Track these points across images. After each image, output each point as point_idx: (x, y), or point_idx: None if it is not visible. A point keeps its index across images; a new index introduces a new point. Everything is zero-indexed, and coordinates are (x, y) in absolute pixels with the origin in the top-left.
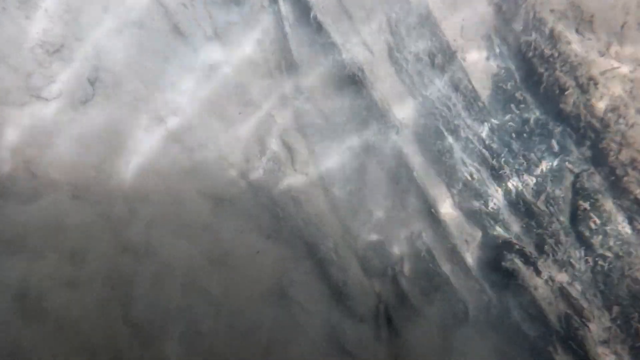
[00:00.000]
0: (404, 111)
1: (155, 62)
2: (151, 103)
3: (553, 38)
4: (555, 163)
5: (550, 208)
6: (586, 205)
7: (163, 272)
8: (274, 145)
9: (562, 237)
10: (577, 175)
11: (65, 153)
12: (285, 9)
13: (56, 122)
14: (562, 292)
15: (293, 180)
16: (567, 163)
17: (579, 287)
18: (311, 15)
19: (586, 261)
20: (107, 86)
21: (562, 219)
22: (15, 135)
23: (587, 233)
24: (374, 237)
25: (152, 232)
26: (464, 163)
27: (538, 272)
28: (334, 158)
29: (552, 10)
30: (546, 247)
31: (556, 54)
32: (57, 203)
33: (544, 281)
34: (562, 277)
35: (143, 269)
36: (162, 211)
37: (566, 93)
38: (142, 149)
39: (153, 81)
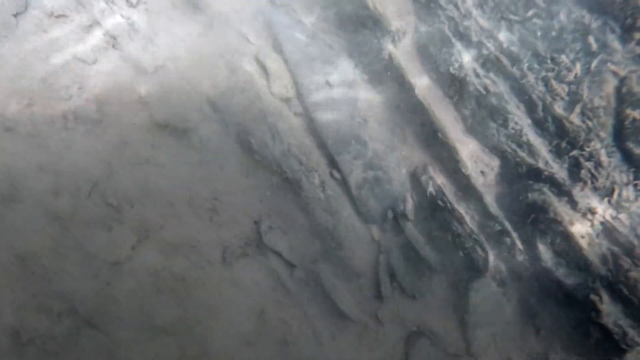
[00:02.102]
0: (400, 15)
1: None
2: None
3: None
4: (593, 65)
5: (588, 122)
6: (635, 114)
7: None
8: (246, 65)
9: (604, 158)
10: (622, 79)
11: None
12: None
13: None
14: (606, 227)
15: (270, 105)
16: (609, 64)
17: (627, 220)
18: None
19: (636, 186)
20: None
21: (603, 134)
22: None
23: (637, 150)
24: (370, 173)
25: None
26: (477, 74)
27: (574, 204)
28: (319, 77)
29: None
30: (583, 172)
31: None
32: None
33: (582, 215)
34: (605, 209)
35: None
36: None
37: None
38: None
39: None
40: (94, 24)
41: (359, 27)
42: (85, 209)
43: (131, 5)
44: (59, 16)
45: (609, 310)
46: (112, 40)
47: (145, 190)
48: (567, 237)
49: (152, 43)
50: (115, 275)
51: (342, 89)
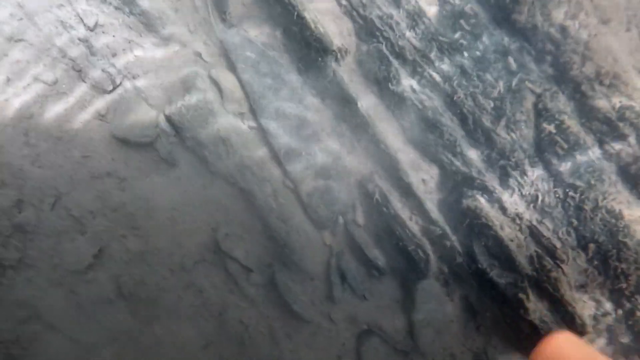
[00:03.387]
0: (342, 36)
1: None
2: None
3: None
4: (514, 83)
5: (512, 134)
6: (551, 128)
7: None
8: (200, 83)
9: (528, 167)
10: (538, 96)
11: None
12: None
13: None
14: (532, 231)
15: (224, 120)
16: (527, 82)
17: (549, 224)
18: None
19: (555, 194)
20: None
21: (525, 146)
22: None
23: (554, 160)
24: (320, 182)
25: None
26: (413, 90)
27: (504, 210)
28: (269, 93)
29: None
30: (511, 180)
31: None
32: None
33: (511, 219)
34: (532, 214)
35: None
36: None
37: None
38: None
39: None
40: (52, 46)
41: (304, 46)
42: (49, 221)
43: (89, 29)
44: (18, 40)
45: (535, 307)
46: (71, 62)
47: (107, 202)
48: (498, 240)
49: (109, 64)
50: (79, 283)
51: (292, 103)
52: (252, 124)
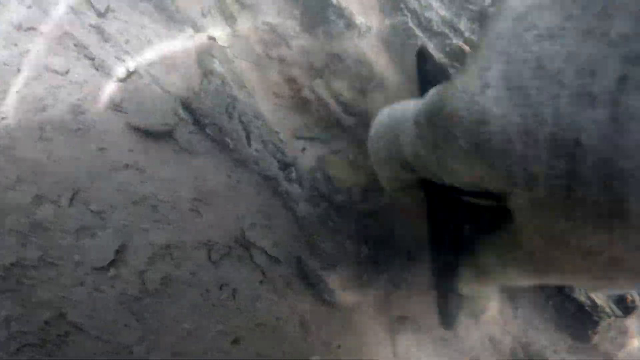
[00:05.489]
0: (365, 12)
1: None
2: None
3: None
4: None
5: None
6: None
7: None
8: (218, 67)
9: None
10: None
11: None
12: None
13: None
14: None
15: (242, 104)
16: None
17: None
18: None
19: None
20: None
21: None
22: None
23: None
24: None
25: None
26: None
27: None
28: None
29: None
30: None
31: None
32: None
33: None
34: None
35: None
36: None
37: None
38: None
39: None
40: (64, 34)
41: (323, 22)
42: (68, 217)
43: (100, 15)
44: (27, 29)
45: None
46: (83, 50)
47: (127, 195)
48: None
49: (123, 50)
50: (103, 280)
51: None
52: None
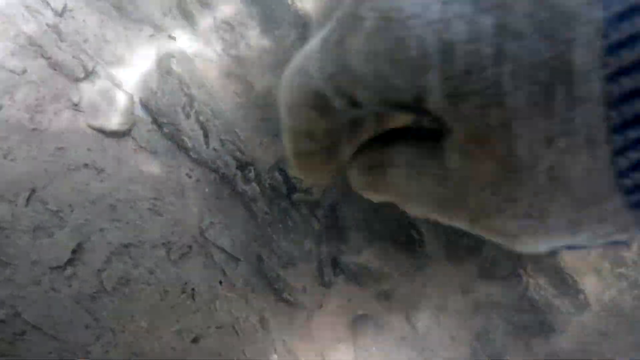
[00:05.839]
0: None
1: None
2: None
3: None
4: None
5: None
6: None
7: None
8: (175, 66)
9: None
10: None
11: None
12: None
13: None
14: None
15: (200, 103)
16: None
17: None
18: None
19: None
20: None
21: None
22: None
23: None
24: None
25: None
26: None
27: None
28: None
29: None
30: None
31: None
32: None
33: None
34: None
35: None
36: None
37: None
38: None
39: None
40: (20, 34)
41: (283, 24)
42: (25, 216)
43: (57, 14)
44: None
45: None
46: (40, 49)
47: (86, 194)
48: None
49: (81, 50)
50: (59, 279)
51: None
52: None
